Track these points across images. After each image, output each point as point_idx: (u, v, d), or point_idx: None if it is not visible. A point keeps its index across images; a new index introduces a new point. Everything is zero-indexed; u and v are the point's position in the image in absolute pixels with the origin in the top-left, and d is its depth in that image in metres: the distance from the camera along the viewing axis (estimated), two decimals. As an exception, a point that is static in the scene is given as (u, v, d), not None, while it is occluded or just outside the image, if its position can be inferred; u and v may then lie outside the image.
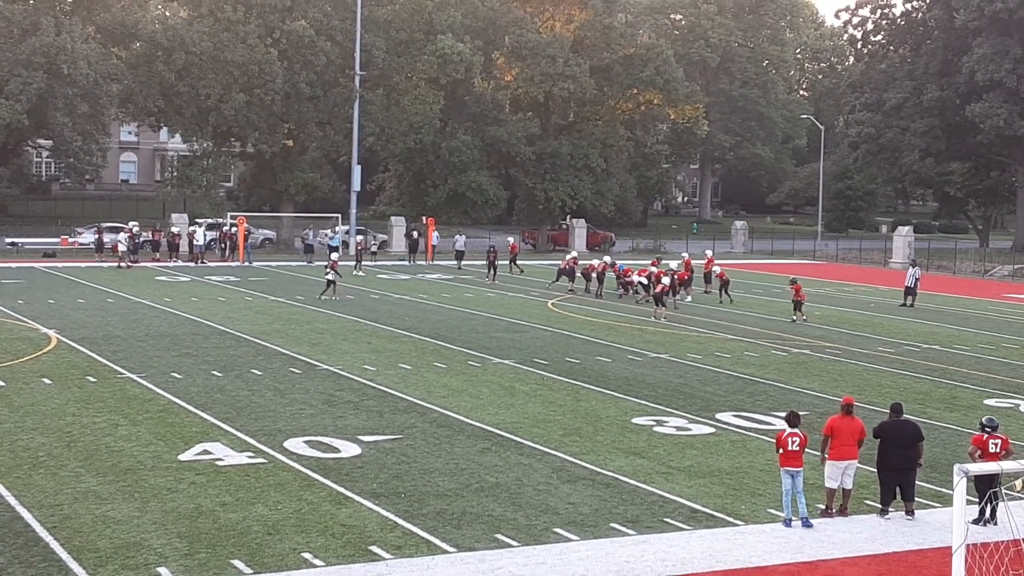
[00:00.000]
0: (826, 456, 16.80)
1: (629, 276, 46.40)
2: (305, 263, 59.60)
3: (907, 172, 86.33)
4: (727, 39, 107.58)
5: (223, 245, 61.58)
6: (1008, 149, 79.14)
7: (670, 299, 42.03)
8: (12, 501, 16.46)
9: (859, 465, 17.20)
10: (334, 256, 46.14)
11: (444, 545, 15.12)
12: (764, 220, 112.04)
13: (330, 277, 42.96)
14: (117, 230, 62.52)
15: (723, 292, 45.48)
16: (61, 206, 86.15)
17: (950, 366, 31.15)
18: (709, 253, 52.59)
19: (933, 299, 49.35)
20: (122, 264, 54.27)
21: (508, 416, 22.98)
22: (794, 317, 40.08)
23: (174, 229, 61.59)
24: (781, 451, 16.50)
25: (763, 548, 15.44)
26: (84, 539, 14.93)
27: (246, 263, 58.64)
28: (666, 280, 41.15)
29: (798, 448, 16.38)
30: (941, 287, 55.86)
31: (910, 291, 46.24)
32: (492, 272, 52.04)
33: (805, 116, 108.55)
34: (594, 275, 47.03)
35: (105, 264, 55.49)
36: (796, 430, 16.51)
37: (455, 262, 59.95)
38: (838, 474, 16.78)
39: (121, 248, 55.09)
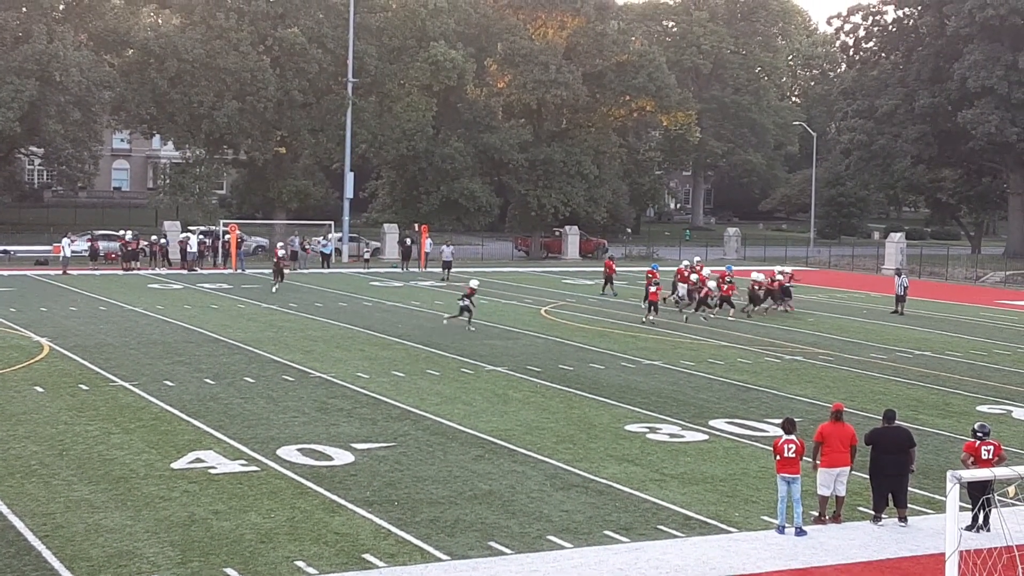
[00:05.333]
0: (818, 463, 16.81)
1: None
2: (289, 270, 59.43)
3: (899, 179, 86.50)
4: (719, 46, 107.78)
5: (202, 253, 61.00)
6: (999, 155, 79.36)
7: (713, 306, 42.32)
8: (4, 510, 16.41)
9: (852, 472, 17.19)
10: (473, 283, 38.61)
11: (438, 553, 15.10)
12: (756, 227, 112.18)
13: (464, 304, 36.90)
14: (113, 237, 62.63)
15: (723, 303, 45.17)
16: (53, 214, 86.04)
17: (943, 372, 31.20)
18: (698, 259, 52.56)
19: (925, 305, 49.41)
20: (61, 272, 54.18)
21: (501, 423, 22.97)
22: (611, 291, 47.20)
23: (153, 238, 61.40)
24: (778, 458, 16.50)
25: (757, 555, 15.45)
26: (77, 548, 14.90)
27: (239, 270, 58.57)
28: (712, 284, 41.55)
29: (794, 455, 16.36)
30: (933, 293, 55.94)
31: (900, 299, 46.36)
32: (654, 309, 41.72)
33: (797, 123, 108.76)
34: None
35: (98, 272, 55.46)
36: (792, 437, 16.49)
37: (441, 271, 56.79)
38: (830, 481, 16.77)
39: (64, 253, 54.91)
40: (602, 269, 52.24)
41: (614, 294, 49.50)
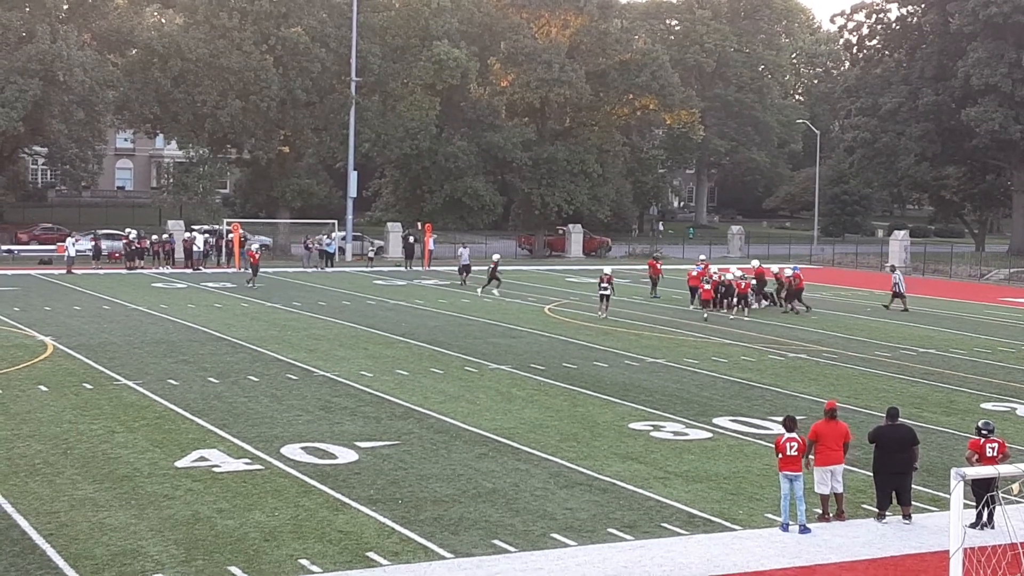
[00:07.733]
0: (811, 459, 16.77)
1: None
2: (316, 269, 60.28)
3: (903, 176, 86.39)
4: (722, 44, 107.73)
5: (206, 253, 61.05)
6: (1003, 153, 79.22)
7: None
8: (9, 508, 16.43)
9: (855, 469, 17.18)
10: (607, 270, 40.18)
11: (441, 551, 15.11)
12: (760, 225, 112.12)
13: (607, 292, 39.82)
14: (117, 236, 62.70)
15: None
16: (57, 213, 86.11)
17: (947, 370, 31.17)
18: (703, 257, 52.42)
19: (929, 303, 49.37)
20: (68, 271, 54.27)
21: (505, 422, 22.97)
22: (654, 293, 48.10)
23: (155, 237, 61.50)
24: (780, 456, 16.49)
25: (761, 553, 15.44)
26: (81, 546, 14.91)
27: (242, 269, 58.56)
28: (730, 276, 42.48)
29: (796, 453, 16.36)
30: (937, 291, 55.89)
31: (899, 295, 46.11)
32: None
33: (801, 121, 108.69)
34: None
35: (102, 271, 55.51)
36: (794, 434, 16.48)
37: (459, 275, 53.83)
38: (827, 479, 16.77)
39: (68, 253, 54.91)
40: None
41: (655, 296, 48.58)
